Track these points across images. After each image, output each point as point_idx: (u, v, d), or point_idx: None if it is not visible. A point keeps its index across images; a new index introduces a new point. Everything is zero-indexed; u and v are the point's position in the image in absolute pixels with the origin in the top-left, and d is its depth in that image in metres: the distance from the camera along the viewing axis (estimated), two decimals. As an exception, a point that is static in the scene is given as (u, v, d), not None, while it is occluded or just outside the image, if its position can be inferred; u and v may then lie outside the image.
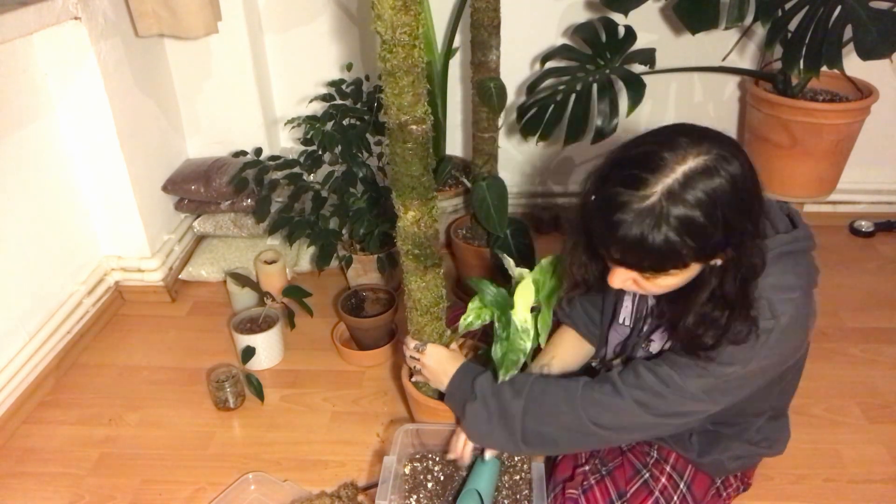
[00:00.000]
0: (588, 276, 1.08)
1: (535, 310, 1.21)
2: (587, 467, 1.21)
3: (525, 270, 1.21)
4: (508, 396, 1.14)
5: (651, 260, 0.89)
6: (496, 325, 1.19)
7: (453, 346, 1.35)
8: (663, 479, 1.18)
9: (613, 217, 0.87)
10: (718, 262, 0.92)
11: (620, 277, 0.96)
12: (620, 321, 1.20)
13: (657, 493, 1.17)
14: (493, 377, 1.18)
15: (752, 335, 0.95)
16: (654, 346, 1.14)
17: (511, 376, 1.16)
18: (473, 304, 1.24)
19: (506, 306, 1.20)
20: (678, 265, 0.89)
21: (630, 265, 0.92)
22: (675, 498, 1.18)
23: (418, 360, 1.30)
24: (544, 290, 1.21)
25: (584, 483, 1.18)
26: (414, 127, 1.05)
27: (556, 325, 1.29)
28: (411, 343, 1.31)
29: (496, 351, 1.16)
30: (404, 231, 1.17)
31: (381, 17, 0.95)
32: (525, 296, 1.18)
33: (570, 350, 1.29)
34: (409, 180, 1.10)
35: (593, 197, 0.92)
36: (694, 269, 0.92)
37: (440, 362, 1.27)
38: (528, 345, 1.16)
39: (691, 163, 0.86)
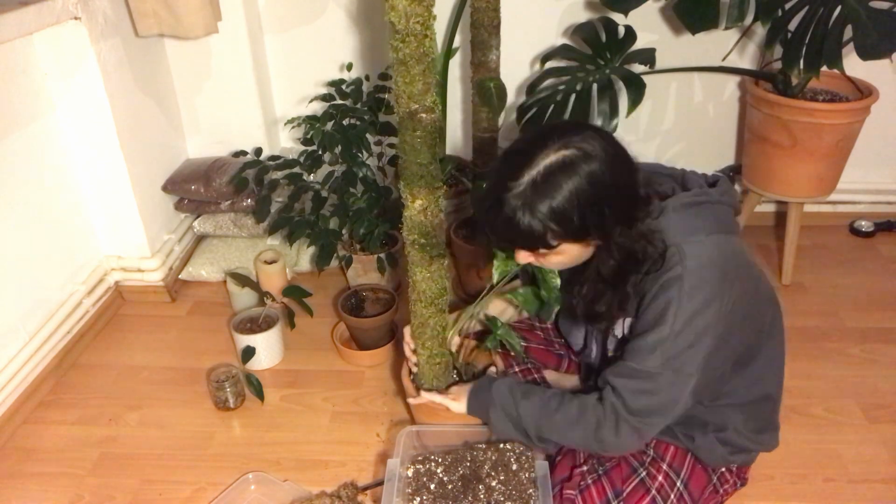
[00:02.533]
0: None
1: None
2: (585, 468, 1.22)
3: None
4: (523, 410, 1.18)
5: (522, 241, 1.03)
6: (533, 269, 1.24)
7: (455, 339, 1.37)
8: (660, 478, 1.19)
9: (491, 202, 1.02)
10: (598, 242, 1.04)
11: (522, 255, 1.10)
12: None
13: (654, 491, 1.17)
14: (507, 388, 1.22)
15: (633, 304, 1.08)
16: (618, 331, 1.19)
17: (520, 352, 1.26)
18: (498, 259, 1.27)
19: None
20: (547, 245, 1.01)
21: (508, 244, 1.09)
22: (672, 496, 1.18)
23: (440, 396, 1.32)
24: None
25: (581, 483, 1.19)
26: (424, 115, 1.06)
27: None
28: (409, 338, 1.32)
29: (538, 290, 1.24)
30: (411, 220, 1.18)
31: (394, 8, 0.96)
32: None
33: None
34: (417, 168, 1.11)
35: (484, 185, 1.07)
36: (576, 249, 1.04)
37: (459, 394, 1.30)
38: (557, 280, 1.22)
39: (552, 157, 0.98)
